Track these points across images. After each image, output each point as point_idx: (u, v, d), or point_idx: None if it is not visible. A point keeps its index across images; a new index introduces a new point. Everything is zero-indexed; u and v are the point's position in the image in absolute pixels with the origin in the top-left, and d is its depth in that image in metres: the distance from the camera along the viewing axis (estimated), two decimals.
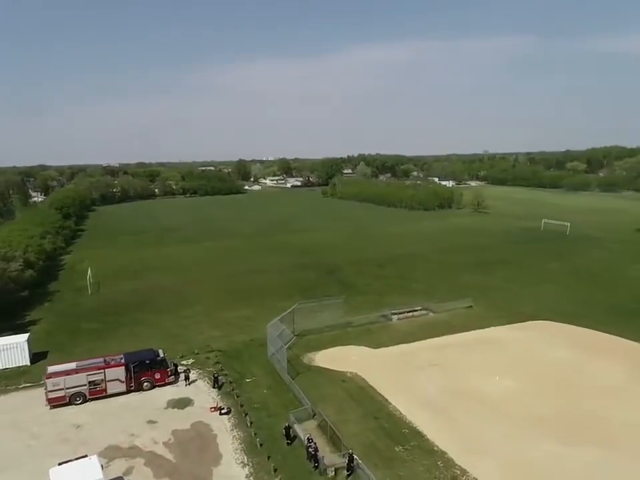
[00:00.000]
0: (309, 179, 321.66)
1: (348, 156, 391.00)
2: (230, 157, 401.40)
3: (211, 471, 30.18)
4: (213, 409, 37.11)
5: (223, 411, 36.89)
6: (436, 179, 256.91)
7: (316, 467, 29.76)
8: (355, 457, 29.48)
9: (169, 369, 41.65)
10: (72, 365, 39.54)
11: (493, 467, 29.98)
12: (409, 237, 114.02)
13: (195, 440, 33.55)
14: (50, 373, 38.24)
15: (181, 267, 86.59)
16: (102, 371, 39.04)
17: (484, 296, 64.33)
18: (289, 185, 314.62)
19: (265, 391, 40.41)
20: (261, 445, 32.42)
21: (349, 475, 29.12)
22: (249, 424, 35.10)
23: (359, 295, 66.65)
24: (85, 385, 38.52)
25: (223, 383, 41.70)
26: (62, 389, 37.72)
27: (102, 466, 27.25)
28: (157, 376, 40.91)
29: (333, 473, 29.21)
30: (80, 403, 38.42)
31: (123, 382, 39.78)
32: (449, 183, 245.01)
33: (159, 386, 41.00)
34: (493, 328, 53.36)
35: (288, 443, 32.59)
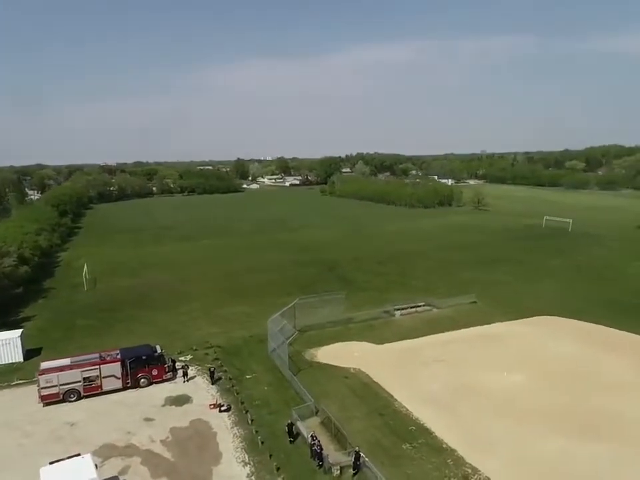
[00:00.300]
0: (307, 177, 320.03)
1: (346, 155, 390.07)
2: (228, 157, 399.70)
3: (210, 470, 28.92)
4: (212, 406, 35.86)
5: (222, 408, 35.63)
6: (435, 177, 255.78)
7: (320, 466, 28.52)
8: (362, 454, 28.25)
9: (166, 365, 40.36)
10: (66, 361, 38.19)
11: (504, 464, 28.81)
12: (408, 234, 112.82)
13: (194, 438, 32.28)
14: (43, 369, 36.89)
15: (178, 264, 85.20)
16: (97, 367, 37.72)
17: (487, 292, 63.20)
18: (287, 184, 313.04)
19: (265, 388, 39.18)
20: (262, 443, 31.17)
21: (355, 474, 27.90)
22: (249, 421, 33.84)
23: (360, 291, 65.46)
24: (80, 382, 37.18)
25: (219, 378, 40.56)
26: (55, 386, 36.39)
27: (96, 465, 25.94)
28: (154, 372, 39.60)
29: (338, 471, 27.98)
30: (74, 400, 37.08)
31: (119, 378, 38.45)
32: (448, 182, 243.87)
33: (156, 382, 39.71)
34: (498, 323, 52.25)
35: (290, 441, 31.34)
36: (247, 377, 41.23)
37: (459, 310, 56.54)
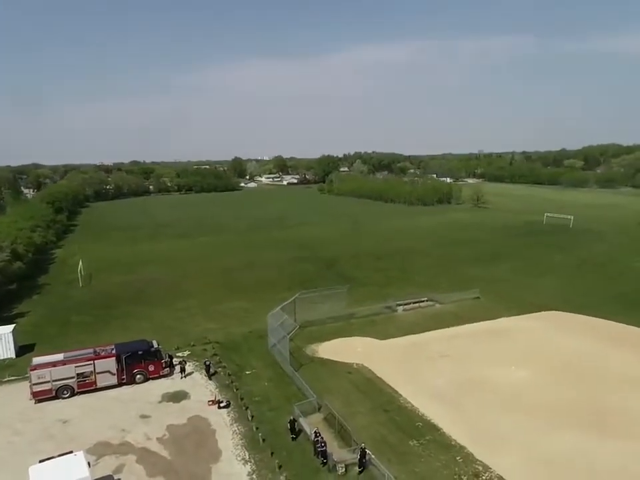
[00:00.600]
0: (305, 176, 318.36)
1: (344, 154, 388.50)
2: (225, 157, 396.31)
3: (209, 469, 27.66)
4: (210, 403, 34.60)
5: (221, 405, 34.38)
6: (434, 176, 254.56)
7: (324, 464, 27.28)
8: (368, 451, 27.02)
9: (163, 361, 39.05)
10: (59, 356, 36.86)
11: (515, 462, 27.65)
12: (407, 231, 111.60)
13: (192, 435, 31.01)
14: (34, 365, 35.56)
15: (175, 261, 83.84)
16: (91, 362, 36.40)
17: (490, 287, 62.12)
18: (285, 183, 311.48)
19: (265, 384, 37.92)
20: (263, 440, 29.92)
21: (360, 472, 26.67)
22: (249, 418, 32.59)
23: (360, 286, 64.15)
24: (73, 378, 35.86)
25: (215, 372, 39.40)
26: (48, 382, 35.06)
27: (89, 463, 24.63)
28: (151, 368, 38.33)
29: (343, 469, 26.73)
30: (67, 397, 35.79)
31: (114, 374, 37.14)
32: (447, 180, 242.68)
33: (153, 378, 38.46)
34: (503, 318, 51.14)
35: (293, 438, 30.10)
36: (247, 372, 39.97)
37: (462, 305, 55.40)
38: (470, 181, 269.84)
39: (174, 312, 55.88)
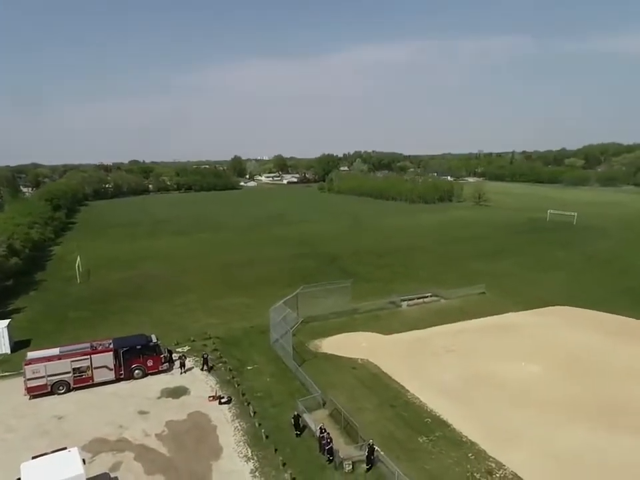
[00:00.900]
0: (305, 175, 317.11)
1: (344, 154, 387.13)
2: (225, 157, 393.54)
3: (210, 466, 26.50)
4: (211, 398, 33.47)
5: (222, 400, 33.22)
6: (434, 174, 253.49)
7: (330, 460, 26.12)
8: (376, 448, 25.86)
9: (162, 355, 37.85)
10: (54, 351, 35.62)
11: (529, 458, 26.54)
12: (409, 229, 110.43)
13: (192, 432, 29.86)
14: (29, 359, 34.35)
15: (174, 257, 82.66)
16: (88, 357, 35.19)
17: (495, 283, 60.97)
18: (285, 182, 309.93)
19: (268, 379, 36.77)
20: (266, 436, 28.78)
21: (368, 469, 25.51)
22: (252, 414, 31.42)
23: (363, 282, 62.96)
24: (69, 373, 34.67)
25: (213, 366, 38.43)
26: (43, 377, 33.87)
27: (83, 460, 23.49)
28: (150, 363, 37.12)
29: (350, 467, 25.56)
30: (63, 393, 34.60)
31: (112, 369, 35.94)
32: (448, 178, 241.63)
33: (152, 374, 37.27)
34: (510, 314, 50.01)
35: (297, 434, 28.95)
36: (248, 368, 38.82)
37: (467, 300, 54.28)
38: (470, 179, 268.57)
39: (173, 307, 54.74)
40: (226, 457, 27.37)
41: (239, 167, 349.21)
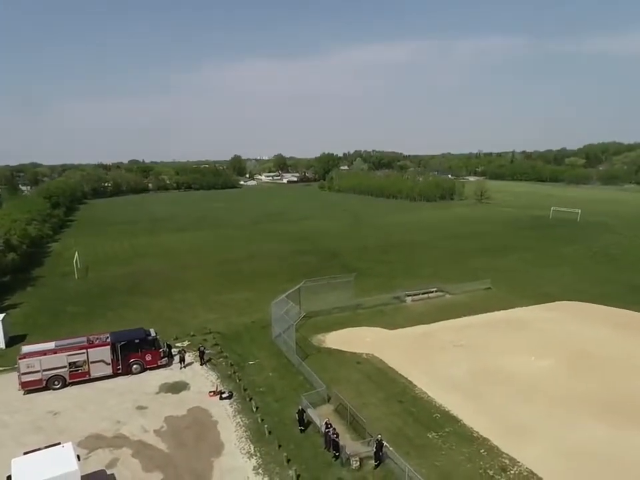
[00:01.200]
0: (305, 174, 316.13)
1: (344, 153, 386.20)
2: (225, 157, 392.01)
3: (211, 463, 25.37)
4: (212, 394, 32.35)
5: (223, 396, 32.09)
6: (435, 173, 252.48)
7: (336, 457, 24.99)
8: (385, 443, 24.74)
9: (161, 350, 36.72)
10: (50, 345, 34.49)
11: (543, 454, 25.41)
12: (411, 225, 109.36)
13: (192, 427, 28.73)
14: (24, 353, 33.25)
15: (173, 253, 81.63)
16: (84, 351, 34.05)
17: (501, 278, 59.89)
18: (284, 181, 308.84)
19: (270, 374, 35.64)
20: (269, 432, 27.64)
21: (377, 466, 24.37)
22: (254, 409, 30.29)
23: (365, 278, 61.77)
24: (65, 367, 33.54)
25: (210, 359, 37.42)
26: (38, 372, 32.76)
27: (78, 456, 22.34)
28: (148, 357, 35.98)
29: (358, 463, 24.43)
30: (59, 388, 33.47)
31: (109, 364, 34.80)
32: (449, 177, 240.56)
33: (151, 369, 36.15)
34: (518, 309, 48.91)
35: (301, 430, 27.81)
36: (250, 362, 37.69)
37: (473, 295, 53.20)
38: (471, 178, 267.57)
39: (172, 302, 53.66)
40: (227, 453, 26.25)
41: (238, 167, 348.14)
